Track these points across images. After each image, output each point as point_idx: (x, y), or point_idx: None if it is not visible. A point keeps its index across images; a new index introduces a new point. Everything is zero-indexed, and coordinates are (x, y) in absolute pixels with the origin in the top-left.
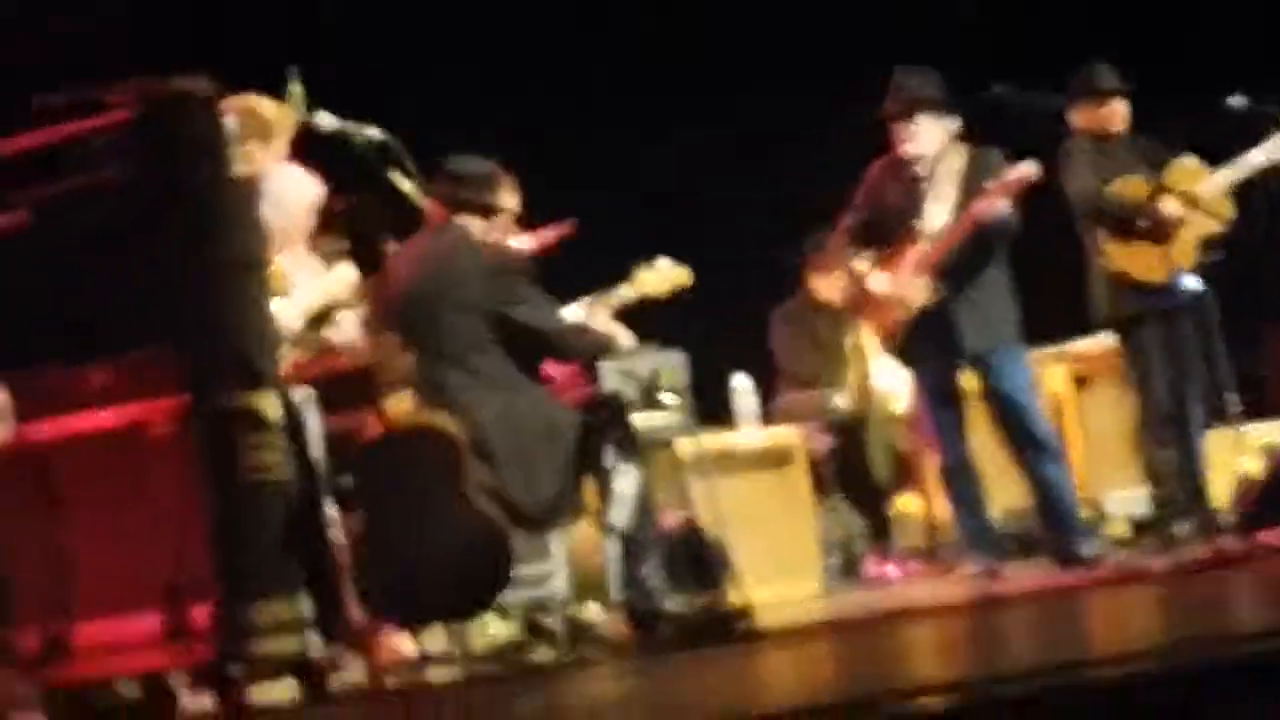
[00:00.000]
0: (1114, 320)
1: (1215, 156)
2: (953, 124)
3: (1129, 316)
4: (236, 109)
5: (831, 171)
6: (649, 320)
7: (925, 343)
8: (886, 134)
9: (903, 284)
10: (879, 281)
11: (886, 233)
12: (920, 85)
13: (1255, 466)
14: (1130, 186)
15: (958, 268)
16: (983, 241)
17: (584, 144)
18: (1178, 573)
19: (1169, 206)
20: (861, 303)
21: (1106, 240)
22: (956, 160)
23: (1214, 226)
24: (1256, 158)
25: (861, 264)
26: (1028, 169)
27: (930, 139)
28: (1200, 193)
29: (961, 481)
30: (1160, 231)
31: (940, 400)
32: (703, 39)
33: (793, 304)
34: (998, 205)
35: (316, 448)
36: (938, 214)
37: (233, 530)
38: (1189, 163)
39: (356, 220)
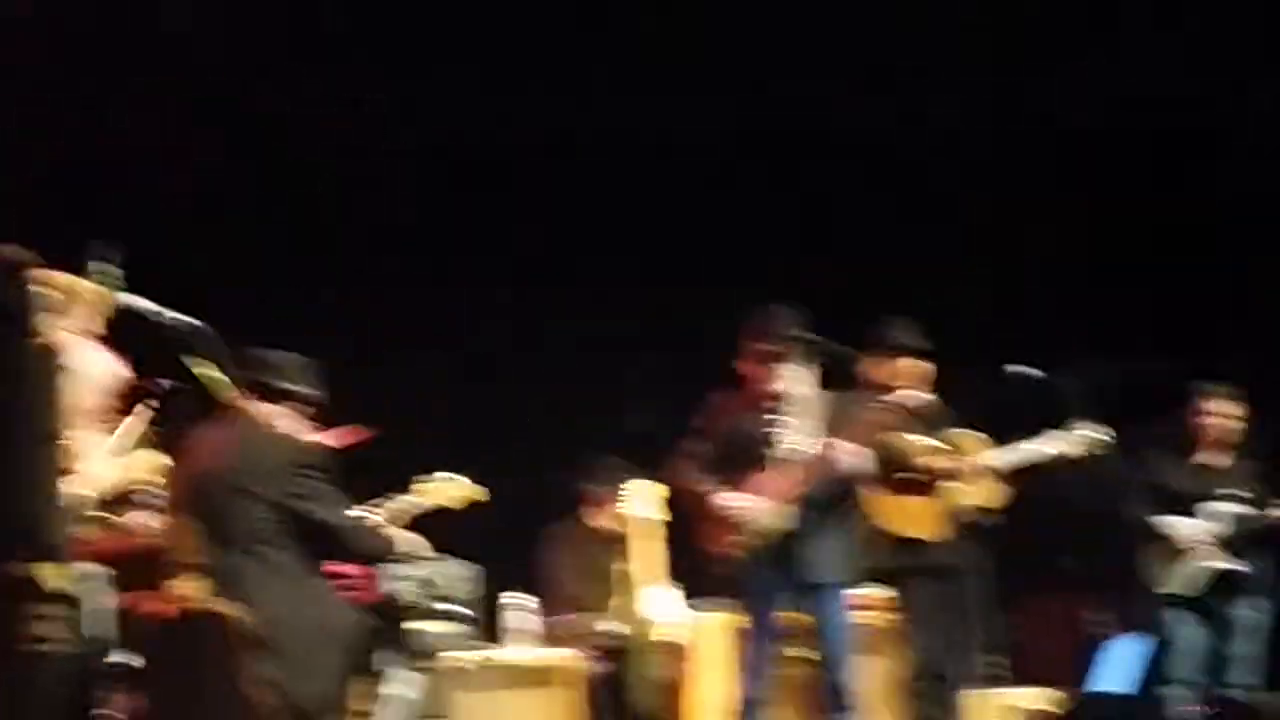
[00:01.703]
0: (883, 572)
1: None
2: (812, 364)
3: (896, 570)
4: (47, 280)
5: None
6: (446, 531)
7: (763, 571)
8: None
9: (750, 507)
10: (731, 500)
11: (732, 462)
12: (794, 328)
13: None
14: (908, 443)
15: (808, 501)
16: (833, 484)
17: (391, 349)
18: None
19: (939, 464)
20: (700, 521)
21: (876, 492)
22: (810, 397)
23: (979, 501)
24: (1042, 449)
25: (708, 482)
26: (914, 399)
27: (795, 378)
28: (972, 466)
29: (757, 717)
30: (926, 490)
31: (764, 631)
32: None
33: (565, 528)
34: (853, 457)
35: (105, 625)
36: (791, 446)
37: (6, 698)
38: (969, 436)
39: (163, 403)
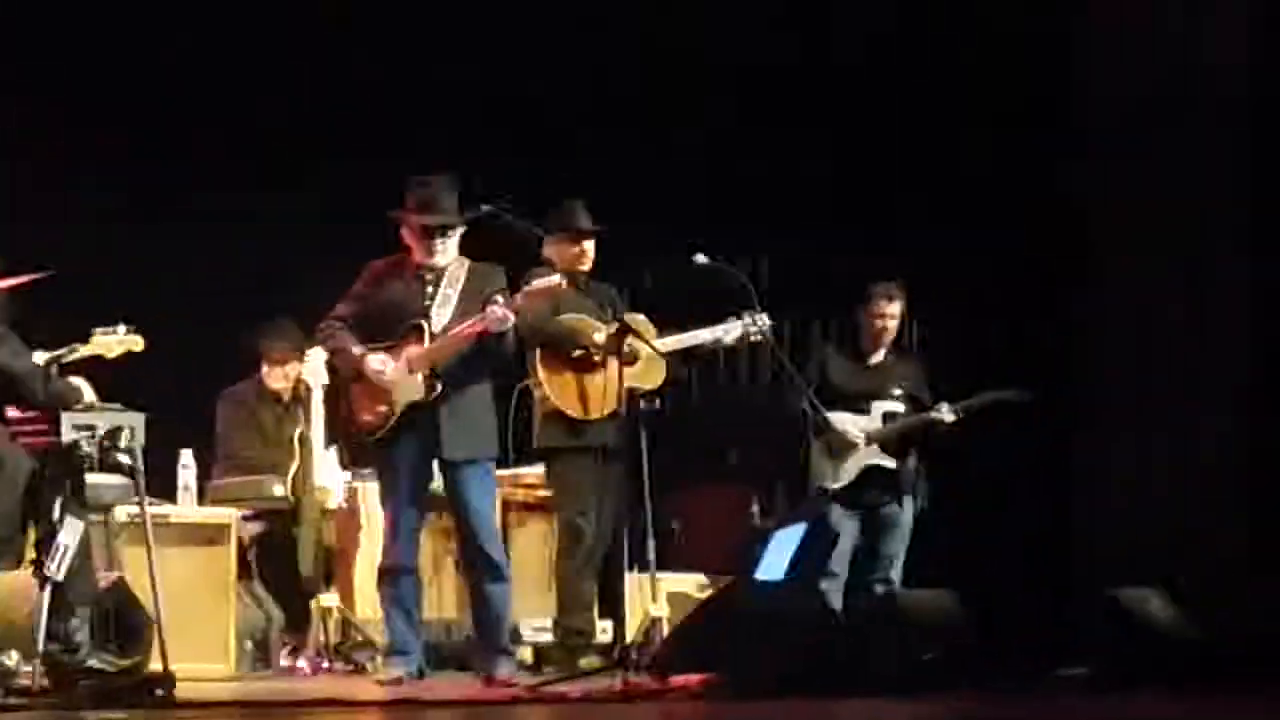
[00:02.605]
0: (544, 451)
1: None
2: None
3: (556, 448)
4: None
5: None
6: (112, 380)
7: (408, 441)
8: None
9: (399, 376)
10: (379, 363)
11: (383, 329)
12: (455, 201)
13: (663, 612)
14: (578, 322)
15: (453, 373)
16: (483, 351)
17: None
18: (591, 700)
19: (606, 343)
20: (348, 388)
21: (541, 371)
22: (460, 268)
23: (644, 384)
24: (704, 335)
25: (357, 346)
26: (553, 280)
27: (452, 251)
28: (640, 347)
29: (403, 585)
30: (591, 369)
31: (409, 500)
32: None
33: (241, 388)
34: (508, 315)
35: None
36: (442, 317)
37: None
38: (640, 318)
39: None
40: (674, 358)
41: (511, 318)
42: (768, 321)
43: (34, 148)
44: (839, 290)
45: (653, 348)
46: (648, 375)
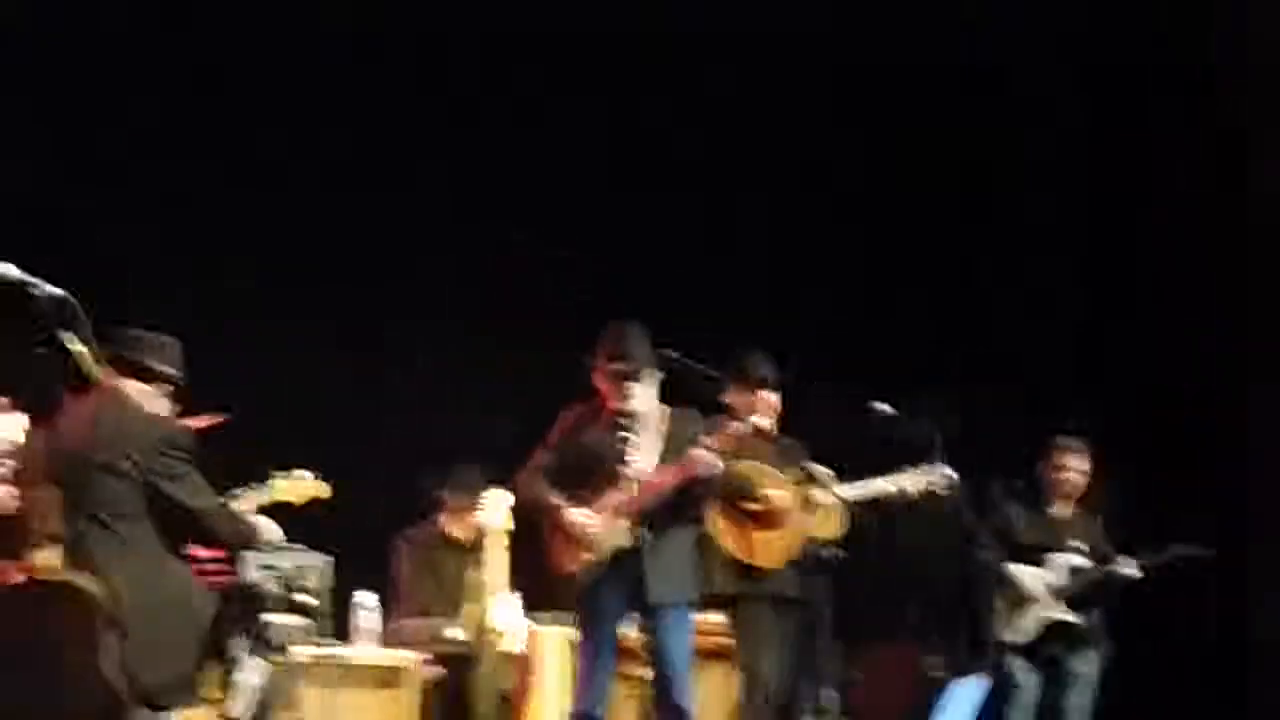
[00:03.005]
0: (723, 598)
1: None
2: (658, 381)
3: (737, 596)
4: None
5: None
6: (297, 522)
7: (611, 587)
8: (584, 377)
9: (601, 524)
10: (578, 515)
11: (580, 476)
12: (647, 347)
13: None
14: (752, 471)
15: (657, 518)
16: (685, 496)
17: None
18: None
19: (778, 497)
20: (549, 535)
21: (719, 518)
22: (658, 415)
23: (822, 533)
24: (886, 484)
25: (557, 496)
26: (743, 427)
27: (647, 397)
28: (817, 498)
29: None
30: (770, 519)
31: (607, 649)
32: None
33: (418, 532)
34: (711, 459)
35: None
36: (640, 464)
37: None
38: (819, 468)
39: (30, 373)
40: (855, 508)
41: (719, 461)
42: (952, 474)
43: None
44: (1021, 444)
45: (836, 495)
46: (825, 525)
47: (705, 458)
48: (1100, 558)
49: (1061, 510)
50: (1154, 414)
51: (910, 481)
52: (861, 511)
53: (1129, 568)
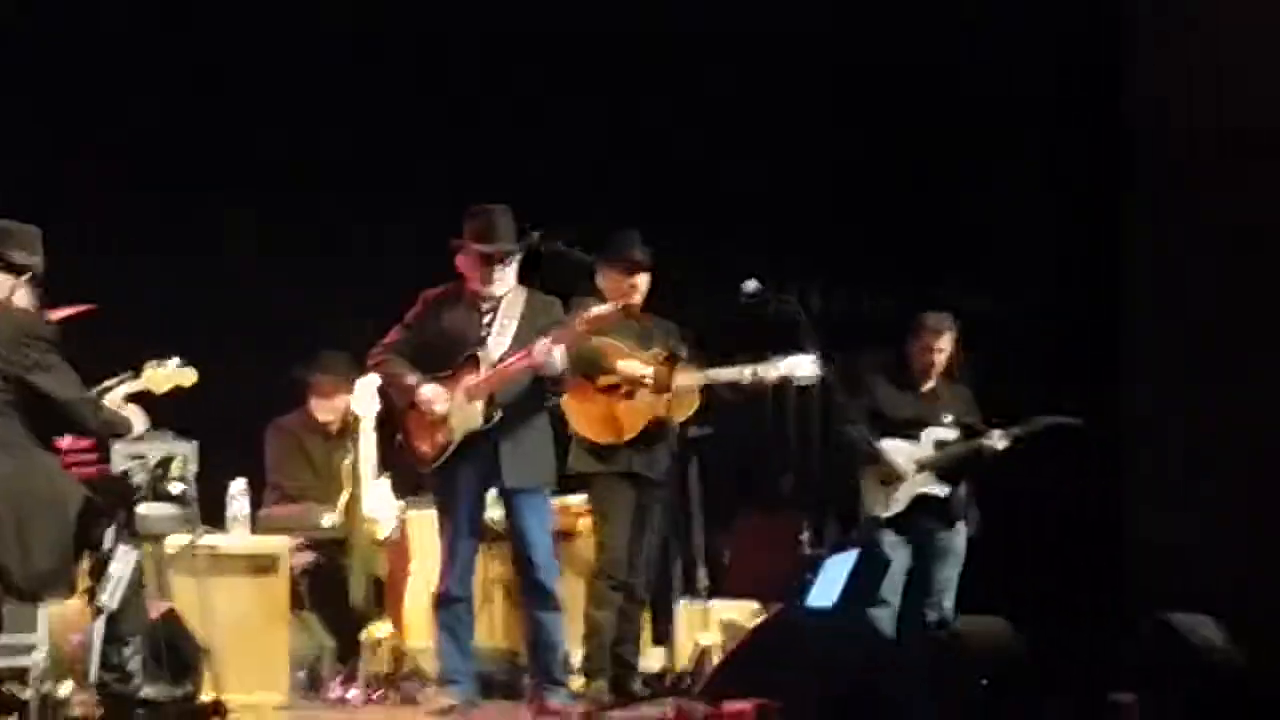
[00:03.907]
0: (578, 476)
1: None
2: (518, 262)
3: (587, 473)
4: None
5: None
6: (162, 407)
7: (466, 469)
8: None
9: (457, 405)
10: (431, 389)
11: (439, 358)
12: (512, 229)
13: (714, 640)
14: (610, 348)
15: (510, 401)
16: (540, 380)
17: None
18: None
19: (628, 367)
20: (404, 417)
21: (571, 399)
22: (518, 298)
23: (677, 414)
24: (739, 372)
25: (412, 375)
26: (604, 310)
27: (511, 279)
28: (675, 380)
29: (456, 613)
30: (628, 396)
31: (467, 529)
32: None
33: (290, 419)
34: (553, 350)
35: None
36: (500, 345)
37: None
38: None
39: None
40: (715, 390)
41: (558, 353)
42: (814, 366)
43: (81, 177)
44: (889, 321)
45: (693, 377)
46: (679, 407)
47: (544, 349)
48: (970, 431)
49: (929, 384)
50: (1025, 288)
51: (768, 370)
52: (722, 393)
53: (997, 439)
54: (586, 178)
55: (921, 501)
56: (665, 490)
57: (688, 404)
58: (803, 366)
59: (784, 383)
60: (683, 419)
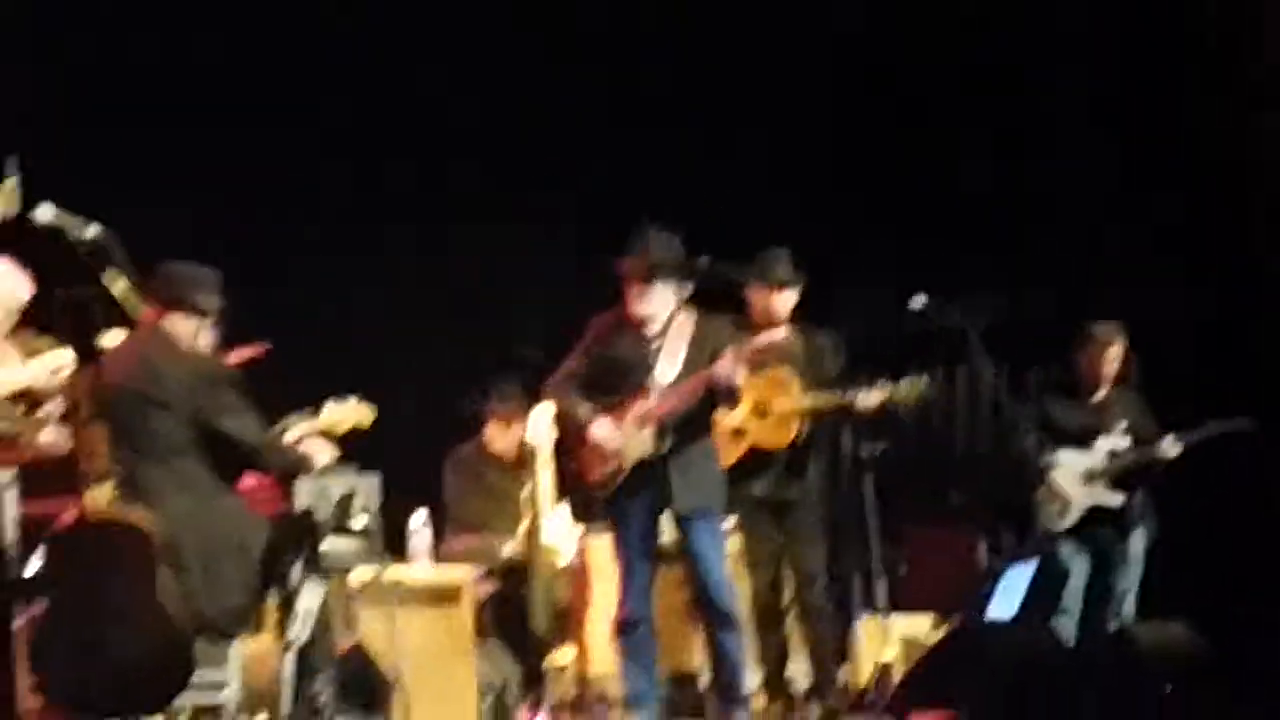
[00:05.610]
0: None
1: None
2: (686, 289)
3: (758, 499)
4: None
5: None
6: (345, 443)
7: (638, 495)
8: (617, 287)
9: (626, 434)
10: (603, 428)
11: (610, 385)
12: (663, 249)
13: (894, 655)
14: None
15: (680, 426)
16: (709, 404)
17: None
18: None
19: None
20: (577, 446)
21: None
22: (687, 322)
23: (770, 442)
24: (864, 397)
25: (584, 409)
26: (775, 336)
27: (664, 301)
28: (776, 405)
29: (638, 638)
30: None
31: (641, 554)
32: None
33: (466, 449)
34: (733, 368)
35: (9, 530)
36: (667, 372)
37: None
38: (782, 374)
39: (71, 314)
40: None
41: (740, 372)
42: (912, 389)
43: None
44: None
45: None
46: (777, 434)
47: (727, 369)
48: (1142, 438)
49: (1100, 393)
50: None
51: (869, 396)
52: (828, 418)
53: (1170, 446)
54: (747, 202)
55: (1096, 511)
56: (809, 510)
57: (785, 433)
58: (901, 390)
59: (880, 412)
60: (784, 444)
